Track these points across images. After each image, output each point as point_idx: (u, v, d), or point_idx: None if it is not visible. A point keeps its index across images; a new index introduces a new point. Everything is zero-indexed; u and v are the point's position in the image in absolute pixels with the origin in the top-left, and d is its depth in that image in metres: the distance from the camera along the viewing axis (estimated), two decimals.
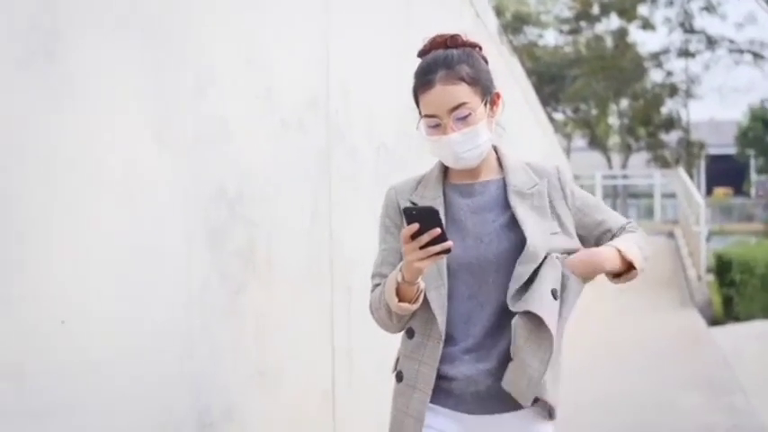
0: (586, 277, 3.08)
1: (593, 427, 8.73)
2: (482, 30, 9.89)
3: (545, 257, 3.02)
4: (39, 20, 2.44)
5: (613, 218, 3.31)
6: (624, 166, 49.52)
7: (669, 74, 49.29)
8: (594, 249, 3.13)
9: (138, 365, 2.91)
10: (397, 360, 3.20)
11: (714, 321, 18.13)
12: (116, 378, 2.78)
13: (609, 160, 50.87)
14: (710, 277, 21.50)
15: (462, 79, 3.06)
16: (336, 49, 4.63)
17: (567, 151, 47.03)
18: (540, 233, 3.06)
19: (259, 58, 3.79)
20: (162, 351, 3.06)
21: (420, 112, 3.12)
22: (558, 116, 50.89)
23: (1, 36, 2.31)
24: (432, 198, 3.16)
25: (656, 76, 49.72)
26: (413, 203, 3.13)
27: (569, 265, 3.05)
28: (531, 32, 51.48)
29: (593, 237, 3.26)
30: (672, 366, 11.77)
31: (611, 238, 3.24)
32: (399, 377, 3.15)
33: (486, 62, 3.18)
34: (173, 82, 3.12)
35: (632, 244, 3.17)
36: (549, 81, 47.56)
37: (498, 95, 3.21)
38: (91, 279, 2.66)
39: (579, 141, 54.03)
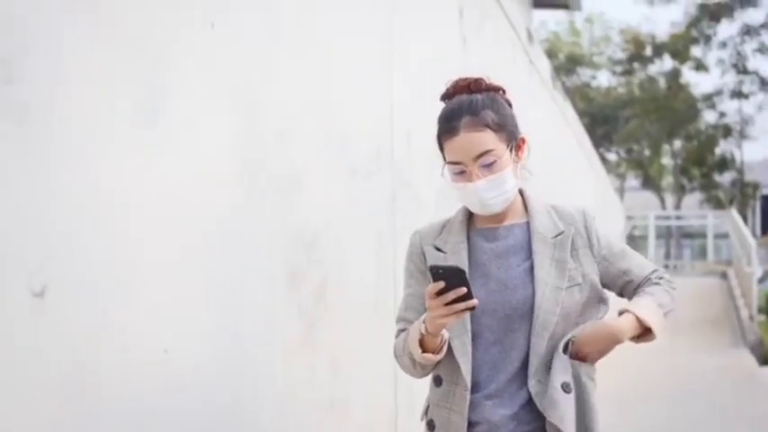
0: (601, 351, 3.04)
1: None
2: (535, 76, 10.21)
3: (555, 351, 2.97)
4: (149, 82, 2.79)
5: (638, 267, 3.21)
6: (678, 206, 49.36)
7: (722, 115, 48.98)
8: (609, 322, 3.05)
9: (227, 390, 3.24)
10: (427, 408, 3.17)
11: (765, 361, 18.26)
12: (208, 401, 3.12)
13: (662, 201, 50.72)
14: (762, 317, 21.61)
15: (487, 126, 2.97)
16: (400, 101, 4.97)
17: (621, 191, 47.04)
18: (551, 291, 2.99)
19: (332, 111, 4.13)
20: (247, 379, 3.38)
21: (444, 158, 3.06)
22: (612, 156, 50.91)
23: (120, 97, 2.66)
24: (455, 243, 3.11)
25: (709, 117, 49.52)
26: (437, 248, 3.12)
27: (579, 344, 3.01)
28: (584, 73, 51.68)
29: (617, 286, 3.20)
30: (723, 403, 11.93)
31: (634, 290, 3.18)
32: (431, 426, 3.12)
33: (511, 106, 3.12)
34: (259, 134, 3.46)
35: (651, 305, 3.10)
36: (603, 122, 47.62)
37: (524, 140, 3.11)
38: (189, 313, 3.00)
39: (632, 181, 53.95)
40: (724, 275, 27.63)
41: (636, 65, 49.75)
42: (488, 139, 2.96)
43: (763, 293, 22.55)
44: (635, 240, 39.27)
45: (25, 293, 2.26)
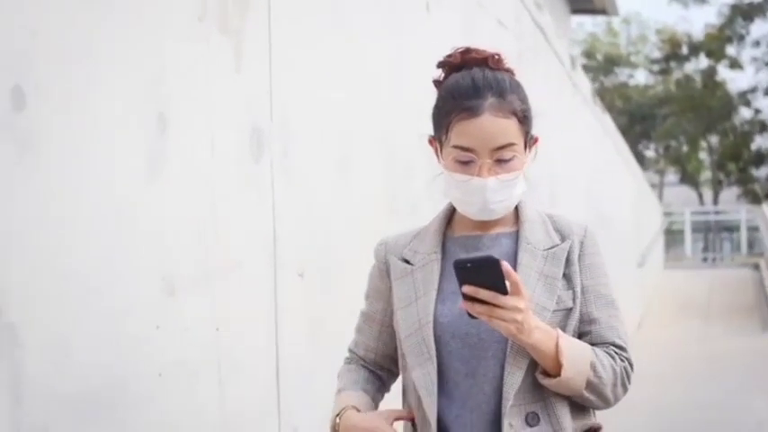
0: (504, 328, 2.28)
1: (686, 422, 10.57)
2: (578, 96, 11.66)
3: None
4: (343, 144, 4.30)
5: (608, 327, 2.48)
6: (715, 200, 49.56)
7: (758, 111, 49.24)
8: (535, 320, 2.33)
9: None
10: None
11: None
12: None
13: (700, 195, 51.06)
14: None
15: (514, 114, 2.41)
16: None
17: (660, 187, 47.85)
18: (535, 311, 2.36)
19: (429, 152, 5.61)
20: None
21: (441, 138, 2.50)
22: (650, 153, 51.62)
23: (326, 150, 4.20)
24: (426, 253, 2.54)
25: (744, 113, 49.80)
26: (405, 260, 2.59)
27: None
28: (621, 73, 52.38)
29: (573, 327, 2.47)
30: (752, 379, 13.20)
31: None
32: None
33: None
34: (394, 172, 4.85)
35: (585, 353, 2.39)
36: (641, 119, 48.16)
37: (536, 140, 2.54)
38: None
39: (671, 177, 54.46)
40: (756, 267, 28.69)
41: (672, 64, 50.21)
42: (513, 130, 2.42)
43: None
44: (673, 235, 40.25)
45: (294, 275, 3.73)
